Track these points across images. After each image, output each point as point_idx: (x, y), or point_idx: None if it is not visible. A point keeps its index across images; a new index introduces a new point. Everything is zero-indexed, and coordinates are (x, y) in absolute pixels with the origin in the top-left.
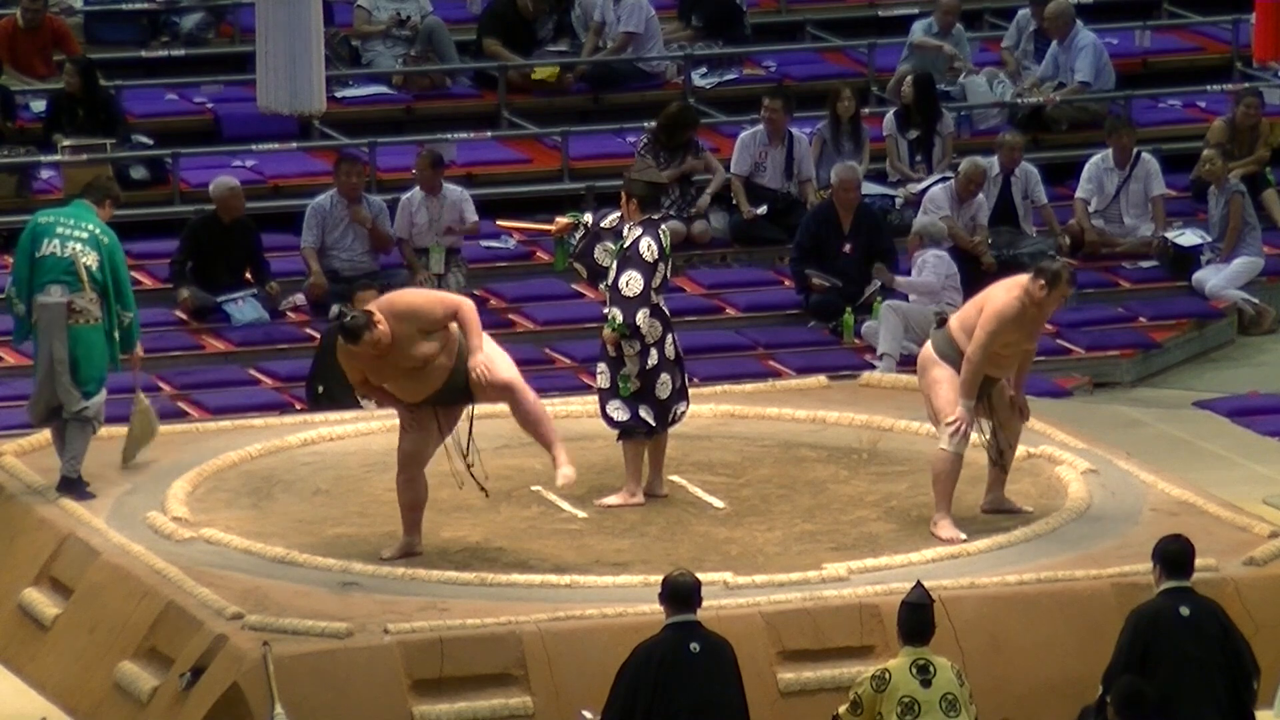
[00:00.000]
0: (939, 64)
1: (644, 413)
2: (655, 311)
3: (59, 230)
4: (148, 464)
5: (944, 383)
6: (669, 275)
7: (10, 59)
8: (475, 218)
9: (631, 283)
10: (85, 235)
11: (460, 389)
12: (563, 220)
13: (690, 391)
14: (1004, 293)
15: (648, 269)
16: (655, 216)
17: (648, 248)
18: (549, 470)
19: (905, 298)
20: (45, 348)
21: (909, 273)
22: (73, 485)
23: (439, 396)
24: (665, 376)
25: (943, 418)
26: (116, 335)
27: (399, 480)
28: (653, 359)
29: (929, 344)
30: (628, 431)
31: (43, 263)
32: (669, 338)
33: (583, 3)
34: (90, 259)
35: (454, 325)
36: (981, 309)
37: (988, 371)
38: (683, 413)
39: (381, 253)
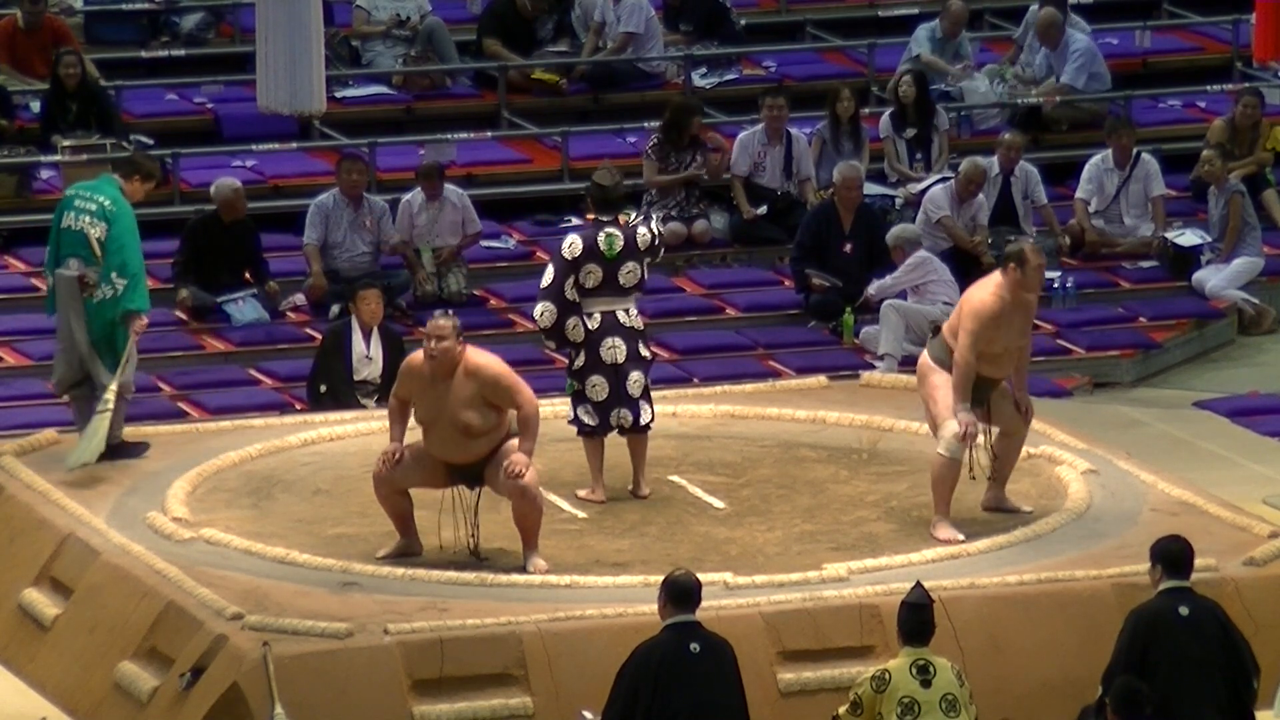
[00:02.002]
0: (943, 73)
1: (582, 413)
2: (573, 309)
3: (76, 203)
4: (148, 463)
5: (941, 389)
6: (627, 280)
7: (10, 59)
8: (478, 227)
9: (544, 275)
10: (94, 208)
11: (475, 476)
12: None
13: (690, 392)
14: (979, 291)
15: (561, 265)
16: (605, 219)
17: (569, 245)
18: (549, 470)
19: (905, 297)
20: (64, 319)
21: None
22: (119, 449)
23: (456, 470)
24: (597, 379)
25: (940, 424)
26: (105, 294)
27: (377, 495)
28: (580, 360)
29: (925, 351)
30: (578, 429)
31: (63, 236)
32: (609, 341)
33: (583, 3)
34: (98, 230)
35: (511, 421)
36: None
37: (986, 373)
38: (639, 419)
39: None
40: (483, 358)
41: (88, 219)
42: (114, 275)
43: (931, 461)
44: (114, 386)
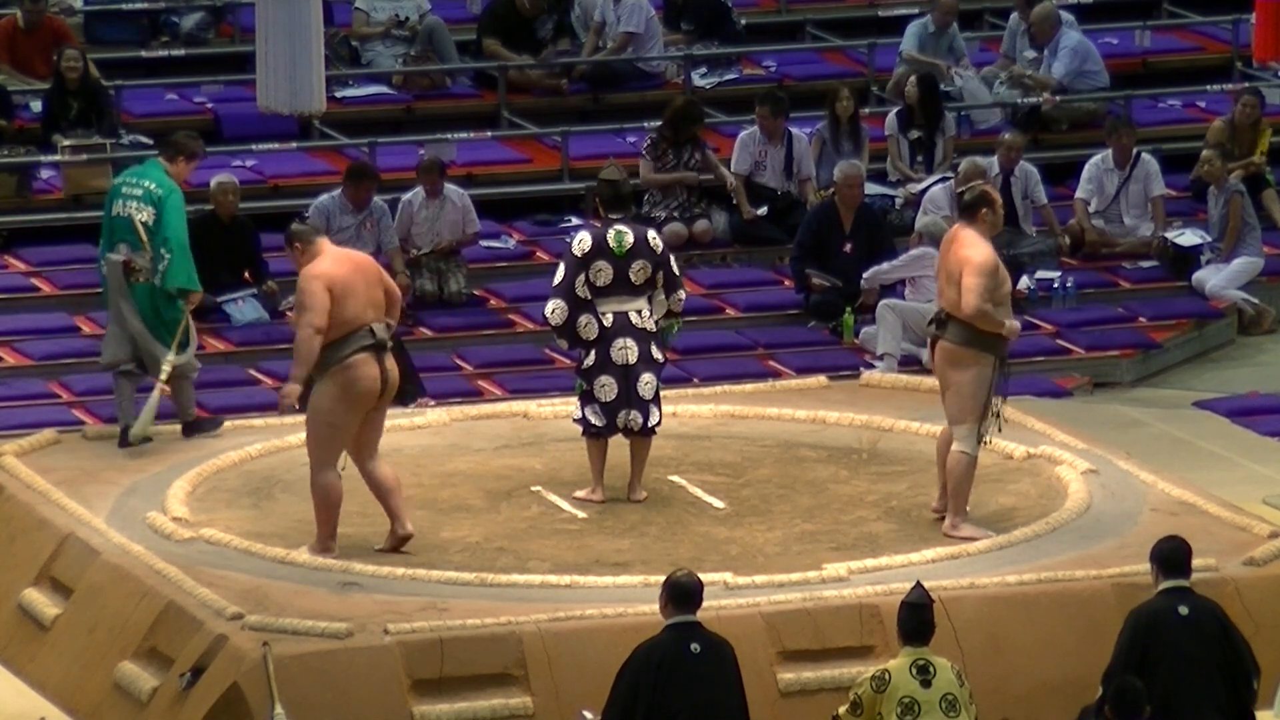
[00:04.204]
0: (936, 68)
1: (590, 413)
2: (585, 307)
3: (124, 190)
4: (148, 463)
5: (966, 386)
6: (638, 277)
7: (10, 59)
8: (477, 227)
9: (555, 274)
10: (140, 192)
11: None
12: None
13: (690, 392)
14: (973, 250)
15: (571, 263)
16: (615, 216)
17: (578, 243)
18: (549, 470)
19: (902, 295)
20: (114, 304)
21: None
22: (194, 426)
23: None
24: (606, 379)
25: (961, 422)
26: (158, 272)
27: None
28: (590, 359)
29: (947, 339)
30: (583, 429)
31: (114, 223)
32: (620, 342)
33: (583, 3)
34: (145, 214)
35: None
36: (956, 275)
37: (1006, 317)
38: (646, 423)
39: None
40: (306, 269)
41: (134, 204)
42: (161, 251)
43: (953, 461)
44: (168, 365)
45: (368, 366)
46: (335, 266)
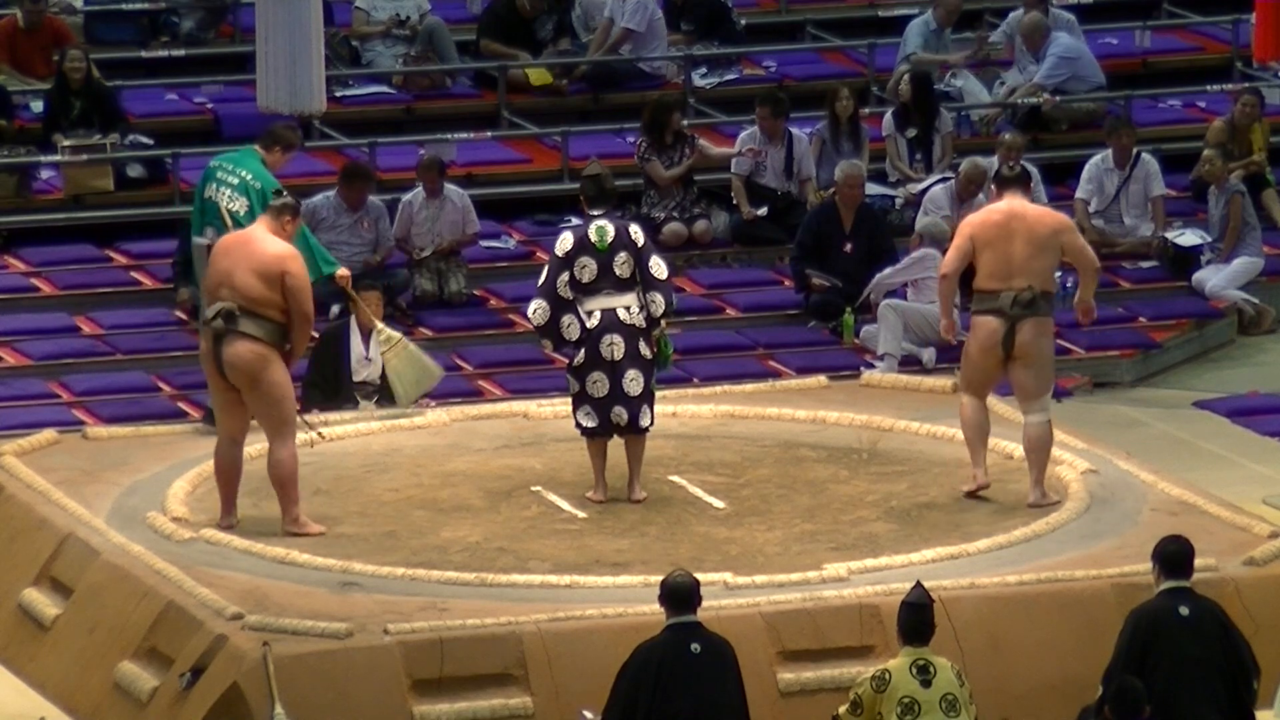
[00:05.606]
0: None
1: (582, 415)
2: (568, 307)
3: (218, 175)
4: (148, 463)
5: (1047, 355)
6: (623, 270)
7: (10, 59)
8: (477, 228)
9: (540, 275)
10: (235, 181)
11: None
12: None
13: (690, 392)
14: (1051, 214)
15: (554, 262)
16: (596, 213)
17: (560, 242)
18: (549, 470)
19: (904, 296)
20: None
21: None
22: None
23: None
24: (597, 375)
25: (1036, 398)
26: None
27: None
28: (581, 357)
29: (1041, 315)
30: (580, 431)
31: (206, 206)
32: (608, 338)
33: (583, 3)
34: (237, 204)
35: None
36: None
37: None
38: (638, 420)
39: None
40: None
41: (228, 192)
42: None
43: (1039, 433)
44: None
45: (202, 338)
46: (227, 238)
